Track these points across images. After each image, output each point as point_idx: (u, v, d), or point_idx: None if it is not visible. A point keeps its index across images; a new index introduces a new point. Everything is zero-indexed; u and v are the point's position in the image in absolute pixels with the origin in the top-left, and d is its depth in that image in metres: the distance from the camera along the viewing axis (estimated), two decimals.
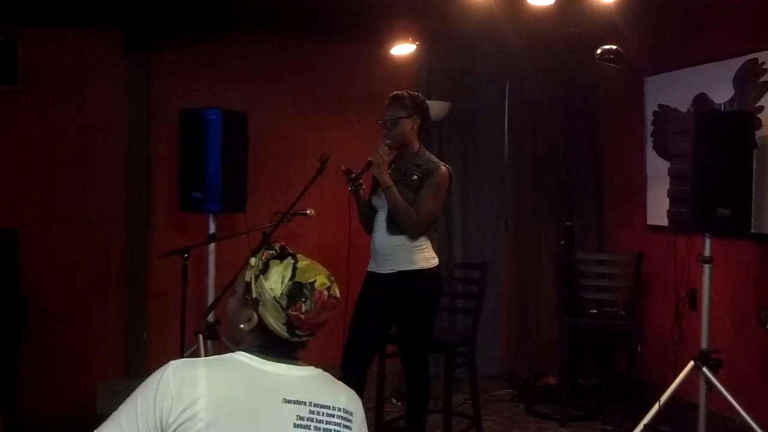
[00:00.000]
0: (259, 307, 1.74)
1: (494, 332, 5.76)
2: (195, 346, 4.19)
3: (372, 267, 3.92)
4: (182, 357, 1.58)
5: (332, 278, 1.80)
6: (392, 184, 3.74)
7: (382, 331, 3.98)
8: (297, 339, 1.75)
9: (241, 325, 1.77)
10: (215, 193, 4.33)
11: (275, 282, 1.73)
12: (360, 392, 3.77)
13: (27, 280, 4.60)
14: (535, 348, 5.85)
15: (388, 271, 3.83)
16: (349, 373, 3.82)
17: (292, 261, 1.77)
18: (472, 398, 4.52)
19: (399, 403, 5.13)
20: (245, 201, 4.53)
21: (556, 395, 5.14)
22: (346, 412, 1.74)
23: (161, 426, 1.58)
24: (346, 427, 1.73)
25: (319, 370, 1.79)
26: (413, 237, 3.78)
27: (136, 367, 4.84)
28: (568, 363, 5.11)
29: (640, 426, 4.11)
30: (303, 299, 1.72)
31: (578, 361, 5.36)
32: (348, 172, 3.79)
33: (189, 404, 1.58)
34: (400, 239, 3.79)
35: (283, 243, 1.83)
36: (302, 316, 1.72)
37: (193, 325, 4.26)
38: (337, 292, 1.79)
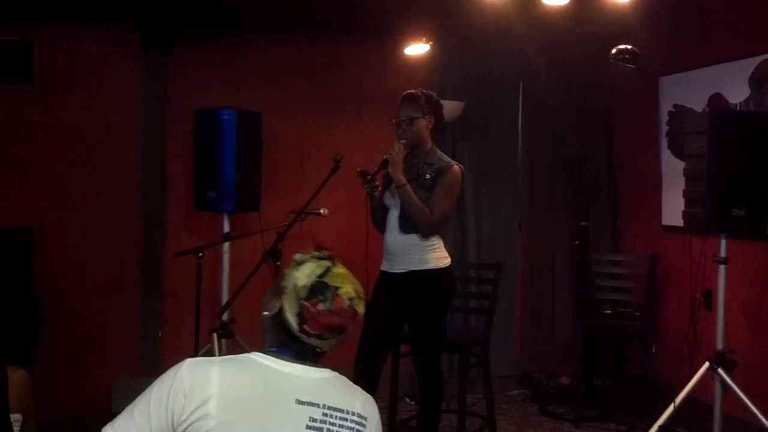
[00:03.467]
0: (284, 295, 1.76)
1: (508, 332, 5.75)
2: (209, 345, 4.21)
3: (385, 266, 3.92)
4: (197, 356, 1.59)
5: (362, 295, 1.80)
6: (406, 182, 3.74)
7: (395, 331, 3.98)
8: (305, 337, 1.74)
9: (265, 313, 1.79)
10: (229, 193, 4.35)
11: (303, 274, 1.76)
12: (373, 391, 3.81)
13: (42, 279, 4.62)
14: (549, 348, 5.84)
15: (401, 271, 3.83)
16: (362, 372, 3.83)
17: (329, 264, 1.79)
18: (485, 398, 4.51)
19: (412, 403, 5.12)
20: (259, 200, 4.55)
21: (570, 396, 5.13)
22: (360, 417, 1.74)
23: (173, 423, 1.59)
24: (359, 431, 1.72)
25: (336, 374, 1.79)
26: (426, 236, 3.78)
27: (151, 366, 4.86)
28: (583, 363, 5.09)
29: (655, 427, 4.09)
30: (322, 298, 1.73)
31: (592, 361, 5.34)
32: (363, 173, 3.78)
33: (201, 403, 1.59)
34: (413, 238, 3.78)
35: (333, 253, 1.85)
36: (313, 310, 1.72)
37: (208, 324, 4.28)
38: (360, 308, 1.78)
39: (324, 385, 1.74)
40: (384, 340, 3.93)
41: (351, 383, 1.82)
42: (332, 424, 1.68)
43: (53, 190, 4.84)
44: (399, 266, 3.83)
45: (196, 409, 1.58)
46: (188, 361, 1.66)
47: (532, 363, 5.80)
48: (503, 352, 5.66)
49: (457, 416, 4.30)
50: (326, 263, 1.79)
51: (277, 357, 1.72)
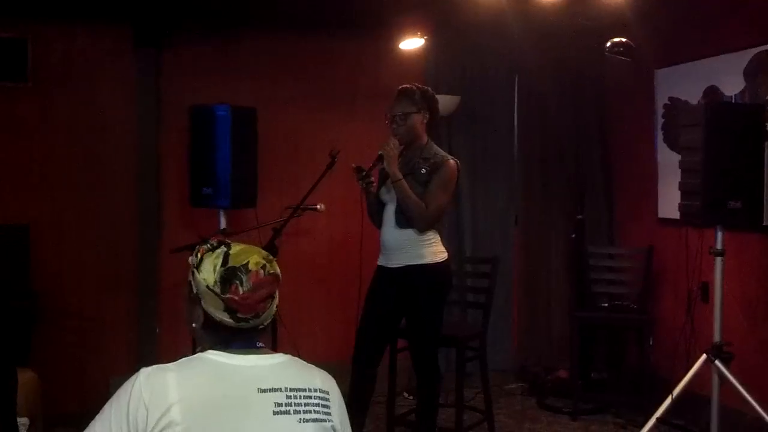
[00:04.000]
0: (201, 301, 1.74)
1: (505, 326, 5.76)
2: (204, 346, 4.20)
3: (381, 261, 3.92)
4: (194, 353, 1.58)
5: (270, 257, 1.78)
6: (402, 177, 3.73)
7: (392, 326, 3.98)
8: (246, 324, 1.73)
9: (193, 324, 1.78)
10: (225, 189, 4.34)
11: (207, 272, 1.73)
12: (371, 386, 3.83)
13: (39, 276, 4.61)
14: (545, 342, 5.85)
15: (398, 265, 3.82)
16: (360, 367, 3.84)
17: (224, 249, 1.77)
18: (483, 392, 4.51)
19: (410, 397, 5.12)
20: (255, 196, 4.54)
21: (568, 389, 5.14)
22: (322, 392, 1.74)
23: None
24: (324, 406, 1.72)
25: (288, 356, 1.79)
26: (422, 230, 3.77)
27: (148, 363, 4.73)
28: (580, 357, 5.10)
29: (653, 419, 4.10)
30: (238, 281, 1.72)
31: (589, 354, 5.35)
32: (359, 169, 3.78)
33: (164, 412, 1.57)
34: (409, 233, 3.78)
35: (220, 238, 1.82)
36: (237, 298, 1.71)
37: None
38: (275, 269, 1.77)
39: (281, 369, 1.74)
40: (381, 335, 3.93)
41: (305, 363, 1.82)
42: (298, 405, 1.68)
43: (48, 187, 4.83)
44: (395, 261, 3.83)
45: (160, 418, 1.56)
46: (143, 371, 1.65)
47: (529, 356, 5.81)
48: (500, 346, 5.67)
49: (455, 410, 4.31)
50: (219, 250, 1.77)
51: (228, 351, 1.71)
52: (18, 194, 4.74)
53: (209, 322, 1.75)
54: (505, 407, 5.14)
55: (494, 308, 4.66)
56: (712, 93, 4.66)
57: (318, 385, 1.75)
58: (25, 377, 2.57)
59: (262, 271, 1.74)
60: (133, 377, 1.64)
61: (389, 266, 3.86)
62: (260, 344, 1.78)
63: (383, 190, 3.91)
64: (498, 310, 5.45)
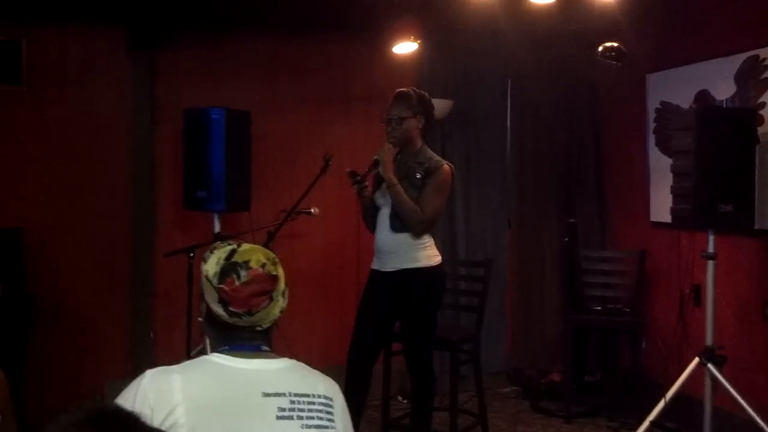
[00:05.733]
0: (204, 294, 1.78)
1: (498, 329, 5.77)
2: (201, 346, 4.20)
3: (375, 265, 3.93)
4: (189, 356, 1.59)
5: (276, 260, 1.81)
6: (397, 182, 3.74)
7: (386, 329, 3.98)
8: (239, 320, 1.75)
9: (199, 318, 1.80)
10: (219, 192, 4.35)
11: (211, 264, 1.77)
12: (366, 390, 3.83)
13: (33, 280, 4.61)
14: (539, 345, 5.86)
15: (392, 269, 3.83)
16: (354, 370, 3.84)
17: (233, 247, 1.80)
18: (477, 395, 4.52)
19: (405, 401, 5.13)
20: (249, 200, 4.55)
21: (561, 392, 5.16)
22: (326, 398, 1.75)
23: None
24: (327, 413, 1.74)
25: (294, 361, 1.80)
26: (417, 235, 3.79)
27: (143, 366, 4.76)
28: (573, 360, 5.12)
29: (646, 422, 4.12)
30: (235, 275, 1.75)
31: (582, 357, 5.37)
32: (353, 174, 3.78)
33: (168, 412, 1.59)
34: (404, 237, 3.79)
35: (239, 242, 1.86)
36: (228, 290, 1.73)
37: (199, 324, 4.26)
38: (276, 271, 1.79)
39: (285, 373, 1.75)
40: (375, 338, 3.94)
41: (310, 368, 1.83)
42: (301, 410, 1.69)
43: (43, 190, 4.82)
44: (390, 265, 3.84)
45: (165, 419, 1.58)
46: (149, 372, 1.67)
47: (523, 359, 5.82)
48: (494, 349, 5.68)
49: (450, 413, 4.32)
50: (230, 247, 1.80)
51: (233, 355, 1.73)
52: (12, 197, 4.73)
53: (210, 316, 1.79)
54: (499, 410, 5.16)
55: (488, 311, 4.67)
56: (703, 97, 4.69)
57: (322, 391, 1.76)
58: None
59: (261, 269, 1.76)
60: (139, 378, 1.66)
61: (383, 270, 3.87)
62: (265, 348, 1.79)
63: (378, 193, 3.92)
64: (491, 313, 5.46)
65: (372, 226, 3.97)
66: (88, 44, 4.93)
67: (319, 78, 5.41)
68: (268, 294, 1.76)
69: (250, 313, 1.75)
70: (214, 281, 1.74)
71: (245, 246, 1.81)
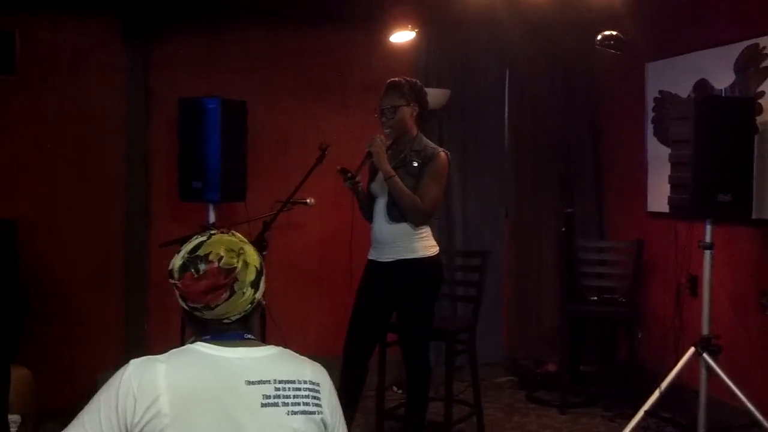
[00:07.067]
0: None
1: (495, 320, 5.76)
2: (194, 337, 4.18)
3: (372, 255, 3.92)
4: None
5: (239, 250, 1.76)
6: (394, 173, 3.72)
7: (383, 320, 3.97)
8: (200, 314, 1.73)
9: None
10: (215, 183, 4.32)
11: (178, 258, 1.76)
12: (362, 380, 3.82)
13: (26, 271, 4.58)
14: (535, 335, 5.86)
15: (389, 260, 3.82)
16: (350, 361, 3.83)
17: (203, 239, 1.78)
18: (472, 386, 4.52)
19: (400, 391, 5.13)
20: (245, 190, 4.53)
21: (557, 382, 5.15)
22: (312, 383, 1.74)
23: (126, 426, 1.58)
24: (314, 398, 1.73)
25: (280, 348, 1.78)
26: (418, 225, 3.77)
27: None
28: (569, 350, 5.11)
29: (641, 412, 4.12)
30: (194, 269, 1.72)
31: (579, 348, 5.37)
32: (344, 171, 3.75)
33: (152, 401, 1.58)
34: (401, 227, 3.77)
35: (226, 229, 1.83)
36: (180, 285, 1.72)
37: None
38: (232, 262, 1.73)
39: (270, 361, 1.73)
40: (372, 329, 3.93)
41: (297, 354, 1.81)
42: (287, 396, 1.68)
43: (36, 181, 4.79)
44: (387, 255, 3.82)
45: (148, 408, 1.57)
46: (133, 362, 1.65)
47: (519, 350, 5.82)
48: (490, 340, 5.67)
49: (445, 404, 4.31)
50: (199, 240, 1.77)
51: (217, 343, 1.71)
52: (5, 189, 4.70)
53: (183, 310, 1.77)
54: (494, 400, 5.16)
55: (484, 302, 4.66)
56: (702, 86, 4.67)
57: (308, 377, 1.74)
58: (19, 374, 2.54)
59: (216, 263, 1.73)
60: (123, 368, 1.65)
61: (380, 260, 3.85)
62: (249, 336, 1.78)
63: (373, 183, 3.90)
64: (488, 303, 5.45)
65: (369, 217, 3.95)
66: (82, 34, 4.90)
67: (315, 67, 5.37)
68: (224, 288, 1.72)
69: (209, 308, 1.72)
70: (175, 276, 1.73)
71: (214, 238, 1.78)
